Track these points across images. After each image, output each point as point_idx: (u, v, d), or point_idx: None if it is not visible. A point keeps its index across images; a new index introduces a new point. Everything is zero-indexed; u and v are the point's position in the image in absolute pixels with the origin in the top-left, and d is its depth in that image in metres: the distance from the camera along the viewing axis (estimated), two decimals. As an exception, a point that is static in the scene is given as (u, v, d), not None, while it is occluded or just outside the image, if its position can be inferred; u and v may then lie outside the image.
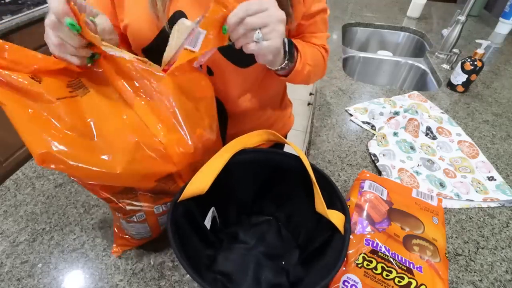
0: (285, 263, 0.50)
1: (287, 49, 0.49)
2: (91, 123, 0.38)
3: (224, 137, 0.68)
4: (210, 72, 0.55)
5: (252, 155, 0.49)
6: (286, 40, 0.49)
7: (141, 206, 0.46)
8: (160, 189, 0.44)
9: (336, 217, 0.41)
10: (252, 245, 0.53)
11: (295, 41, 0.54)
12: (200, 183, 0.42)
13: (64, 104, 0.37)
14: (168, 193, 0.46)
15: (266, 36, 0.40)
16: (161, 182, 0.44)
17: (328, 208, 0.41)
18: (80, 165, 0.35)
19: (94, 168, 0.35)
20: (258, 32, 0.39)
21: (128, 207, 0.44)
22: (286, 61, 0.50)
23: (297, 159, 0.45)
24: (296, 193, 0.50)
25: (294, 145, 0.46)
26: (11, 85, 0.34)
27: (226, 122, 0.65)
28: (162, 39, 0.47)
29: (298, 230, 0.53)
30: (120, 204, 0.44)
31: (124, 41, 0.55)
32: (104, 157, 0.36)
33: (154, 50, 0.48)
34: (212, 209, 0.49)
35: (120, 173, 0.37)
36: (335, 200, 0.43)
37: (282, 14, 0.40)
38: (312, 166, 0.45)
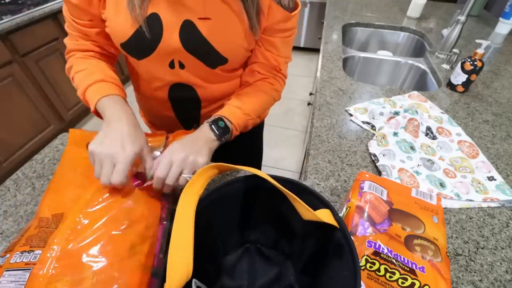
0: (287, 279, 0.49)
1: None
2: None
3: (199, 116, 0.74)
4: (181, 65, 0.60)
5: (209, 199, 0.44)
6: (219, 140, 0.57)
7: None
8: None
9: (324, 215, 0.39)
10: (246, 286, 0.49)
11: (230, 117, 0.60)
12: (180, 269, 0.33)
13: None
14: None
15: None
16: None
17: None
18: None
19: None
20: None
21: None
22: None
23: (257, 177, 0.42)
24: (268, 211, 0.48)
25: (248, 168, 0.43)
26: None
27: (200, 104, 0.70)
28: (137, 37, 0.54)
29: (279, 241, 0.51)
30: None
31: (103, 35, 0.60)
32: None
33: (131, 46, 0.56)
34: (194, 281, 0.40)
35: None
36: (312, 199, 0.42)
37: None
38: (275, 177, 0.42)
